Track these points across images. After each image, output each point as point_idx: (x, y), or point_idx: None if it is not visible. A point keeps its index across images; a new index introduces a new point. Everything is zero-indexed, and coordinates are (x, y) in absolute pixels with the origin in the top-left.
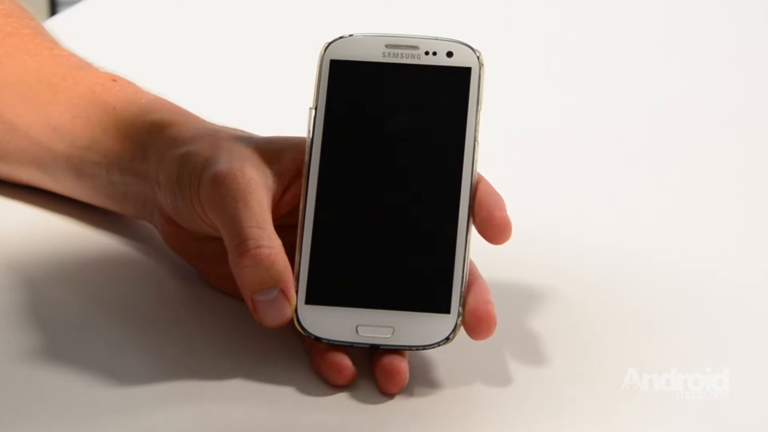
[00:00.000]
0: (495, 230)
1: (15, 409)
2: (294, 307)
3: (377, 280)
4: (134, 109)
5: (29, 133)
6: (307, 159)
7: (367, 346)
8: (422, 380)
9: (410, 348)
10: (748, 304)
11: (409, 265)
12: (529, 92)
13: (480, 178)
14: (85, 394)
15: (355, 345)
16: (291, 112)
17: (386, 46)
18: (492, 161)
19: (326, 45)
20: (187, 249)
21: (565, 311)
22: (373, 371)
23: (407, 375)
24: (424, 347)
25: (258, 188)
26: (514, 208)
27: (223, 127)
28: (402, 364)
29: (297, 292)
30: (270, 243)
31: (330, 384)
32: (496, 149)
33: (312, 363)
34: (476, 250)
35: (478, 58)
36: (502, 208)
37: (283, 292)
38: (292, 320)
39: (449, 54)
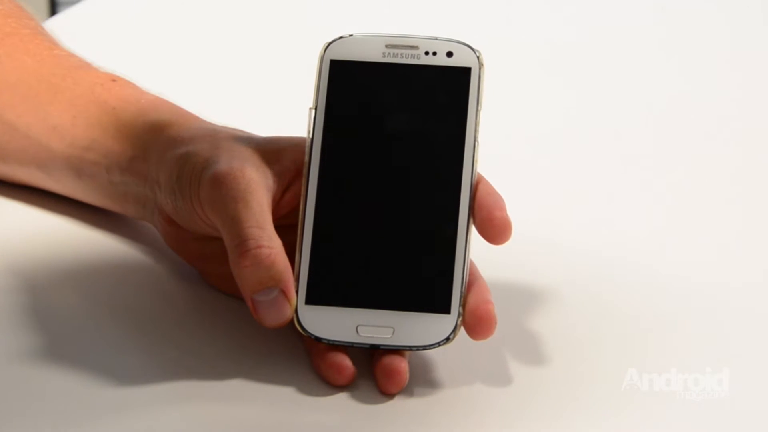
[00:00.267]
0: (495, 230)
1: (15, 409)
2: (294, 307)
3: (377, 280)
4: (134, 109)
5: (29, 133)
6: (307, 159)
7: (367, 346)
8: (422, 380)
9: (410, 348)
10: (748, 304)
11: (409, 265)
12: (529, 92)
13: (480, 178)
14: (85, 394)
15: (355, 345)
16: (291, 112)
17: (386, 46)
18: (492, 161)
19: (326, 45)
20: (187, 249)
21: (565, 311)
22: (373, 371)
23: (407, 375)
24: (425, 347)
25: (258, 188)
26: (514, 208)
27: (223, 127)
28: (402, 364)
29: (297, 292)
30: (270, 243)
31: (330, 384)
32: (496, 149)
33: (312, 363)
34: (476, 250)
35: (478, 58)
36: (502, 208)
37: (283, 292)
38: (292, 320)
39: (449, 54)
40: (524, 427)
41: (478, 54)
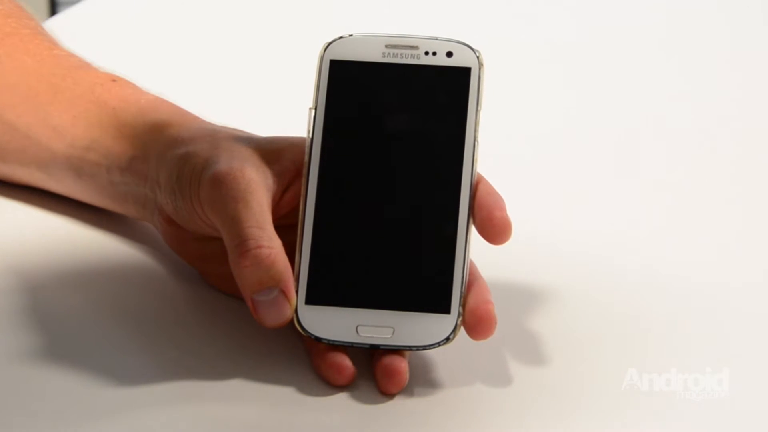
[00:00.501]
0: (495, 230)
1: (15, 409)
2: (294, 307)
3: (377, 280)
4: (134, 109)
5: (29, 134)
6: (307, 159)
7: (367, 346)
8: (422, 380)
9: (410, 348)
10: (748, 304)
11: (409, 265)
12: (529, 92)
13: (480, 178)
14: (85, 394)
15: (355, 345)
16: (291, 112)
17: (386, 46)
18: (492, 161)
19: (326, 45)
20: (187, 249)
21: (565, 311)
22: (373, 371)
23: (407, 375)
24: (424, 347)
25: (258, 188)
26: (514, 208)
27: (222, 127)
28: (402, 365)
29: (297, 292)
30: (270, 243)
31: (330, 384)
32: (496, 149)
33: (312, 363)
34: (476, 250)
35: (477, 58)
36: (502, 208)
37: (283, 293)
38: (292, 320)
39: (449, 54)
40: (524, 427)
41: (478, 54)
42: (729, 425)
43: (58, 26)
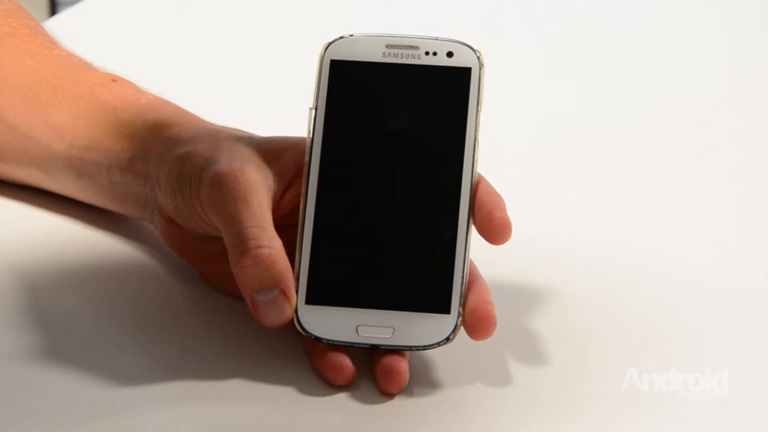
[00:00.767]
0: (495, 230)
1: (15, 409)
2: (294, 307)
3: (377, 280)
4: (134, 109)
5: (29, 134)
6: (307, 159)
7: (367, 346)
8: (422, 380)
9: (410, 348)
10: (748, 304)
11: (409, 266)
12: (530, 92)
13: (480, 178)
14: (85, 394)
15: (355, 345)
16: (291, 112)
17: (386, 46)
18: (492, 161)
19: (326, 45)
20: (187, 249)
21: (565, 311)
22: (373, 371)
23: (407, 375)
24: (424, 347)
25: (258, 188)
26: (514, 208)
27: (223, 127)
28: (402, 364)
29: (297, 292)
30: (270, 243)
31: (330, 384)
32: (497, 149)
33: (312, 363)
34: (476, 250)
35: (478, 58)
36: (503, 209)
37: (284, 292)
38: (292, 320)
39: (449, 54)
40: (524, 427)
41: (478, 54)
42: (729, 425)
43: (58, 26)
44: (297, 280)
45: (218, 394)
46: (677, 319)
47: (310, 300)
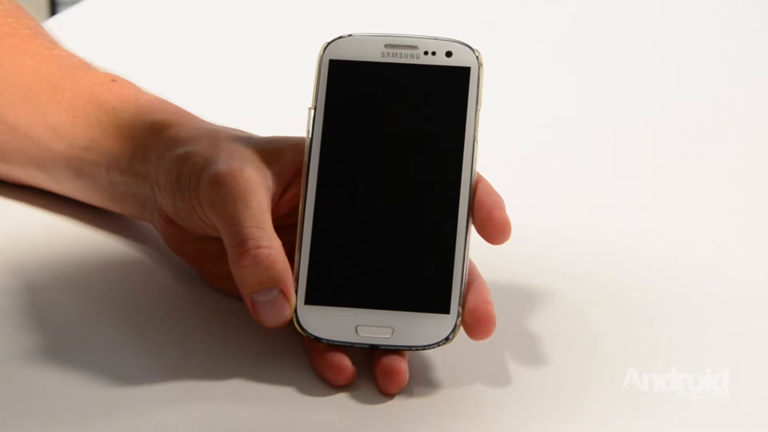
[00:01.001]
0: (494, 230)
1: (15, 409)
2: (293, 307)
3: (377, 280)
4: (134, 109)
5: (29, 134)
6: (306, 159)
7: (367, 346)
8: (422, 380)
9: (410, 348)
10: (748, 304)
11: (409, 265)
12: (529, 92)
13: (479, 178)
14: (85, 394)
15: (354, 345)
16: (291, 112)
17: (385, 45)
18: (491, 161)
19: (325, 45)
20: (186, 249)
21: (565, 311)
22: (373, 371)
23: (407, 375)
24: (424, 347)
25: (257, 188)
26: (514, 208)
27: (222, 127)
28: (402, 364)
29: (296, 292)
30: (269, 243)
31: (330, 384)
32: (496, 149)
33: (312, 363)
34: (476, 250)
35: (477, 57)
36: (502, 208)
37: (283, 293)
38: (291, 320)
39: (448, 54)
40: (524, 427)
41: (477, 54)
42: (729, 425)
43: (58, 26)
44: (296, 280)
45: (218, 394)
46: (677, 319)
47: (310, 300)
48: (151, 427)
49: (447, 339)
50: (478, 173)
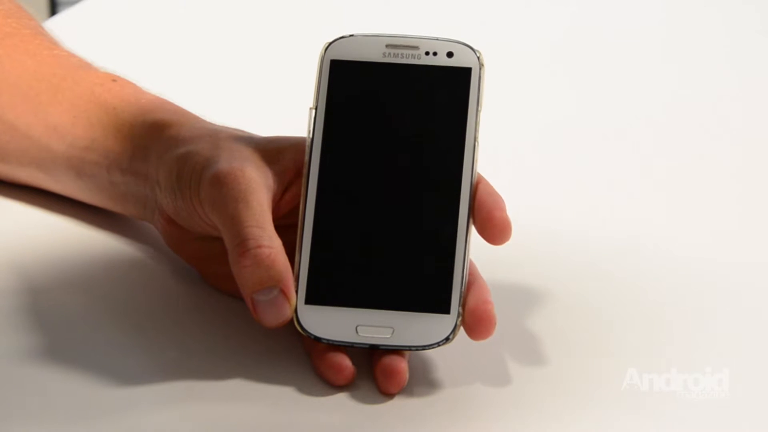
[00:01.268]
0: (495, 230)
1: (15, 409)
2: (294, 307)
3: (377, 281)
4: (134, 109)
5: (29, 133)
6: (307, 159)
7: (367, 346)
8: (422, 380)
9: (410, 348)
10: (748, 304)
11: (409, 266)
12: (530, 92)
13: (480, 179)
14: (85, 394)
15: (355, 345)
16: (291, 112)
17: (386, 46)
18: (492, 161)
19: (326, 45)
20: (187, 249)
21: (565, 311)
22: (373, 371)
23: (407, 375)
24: (424, 347)
25: (258, 188)
26: (514, 209)
27: (223, 127)
28: (402, 364)
29: (297, 292)
30: (270, 243)
31: (330, 384)
32: (497, 149)
33: (312, 363)
34: (476, 250)
35: (478, 58)
36: (502, 209)
37: (283, 292)
38: (291, 320)
39: (449, 54)
40: (524, 427)
41: (478, 54)
42: (729, 425)
43: (58, 26)
44: (297, 280)
45: (218, 394)
46: (677, 318)
47: (310, 300)
48: (151, 427)
49: (447, 339)
50: (478, 173)
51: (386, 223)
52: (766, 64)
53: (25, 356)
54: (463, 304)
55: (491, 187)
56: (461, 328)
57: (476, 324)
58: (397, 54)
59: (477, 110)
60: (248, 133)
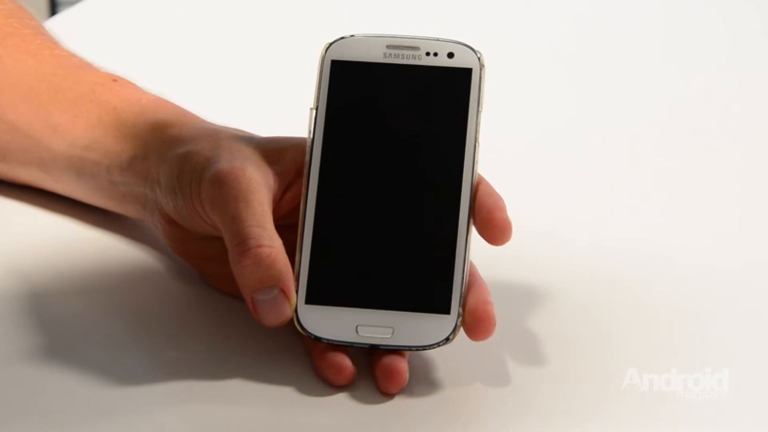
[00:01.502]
0: (495, 231)
1: (15, 409)
2: (294, 306)
3: (377, 281)
4: (135, 109)
5: (30, 133)
6: (307, 159)
7: (367, 346)
8: (422, 380)
9: (410, 348)
10: (748, 304)
11: (410, 266)
12: (530, 93)
13: (480, 179)
14: (85, 394)
15: (355, 345)
16: (291, 112)
17: (387, 46)
18: (492, 162)
19: (327, 45)
20: (187, 249)
21: (565, 311)
22: (373, 371)
23: (407, 375)
24: (424, 347)
25: (259, 188)
26: (515, 209)
27: (223, 127)
28: (402, 364)
29: (297, 291)
30: (270, 242)
31: (330, 384)
32: (497, 150)
33: (312, 363)
34: (476, 250)
35: (479, 59)
36: (503, 209)
37: (283, 292)
38: (292, 320)
39: (450, 55)
40: (524, 427)
41: (479, 55)
42: (729, 425)
43: (58, 26)
44: (297, 279)
45: (218, 394)
46: (677, 318)
47: (310, 300)
48: (151, 427)
49: (447, 339)
50: (479, 174)
51: (386, 224)
52: (766, 64)
53: (25, 356)
54: (463, 304)
55: (491, 187)
56: (461, 329)
57: (476, 324)
58: (398, 54)
59: (477, 111)
60: (249, 133)
